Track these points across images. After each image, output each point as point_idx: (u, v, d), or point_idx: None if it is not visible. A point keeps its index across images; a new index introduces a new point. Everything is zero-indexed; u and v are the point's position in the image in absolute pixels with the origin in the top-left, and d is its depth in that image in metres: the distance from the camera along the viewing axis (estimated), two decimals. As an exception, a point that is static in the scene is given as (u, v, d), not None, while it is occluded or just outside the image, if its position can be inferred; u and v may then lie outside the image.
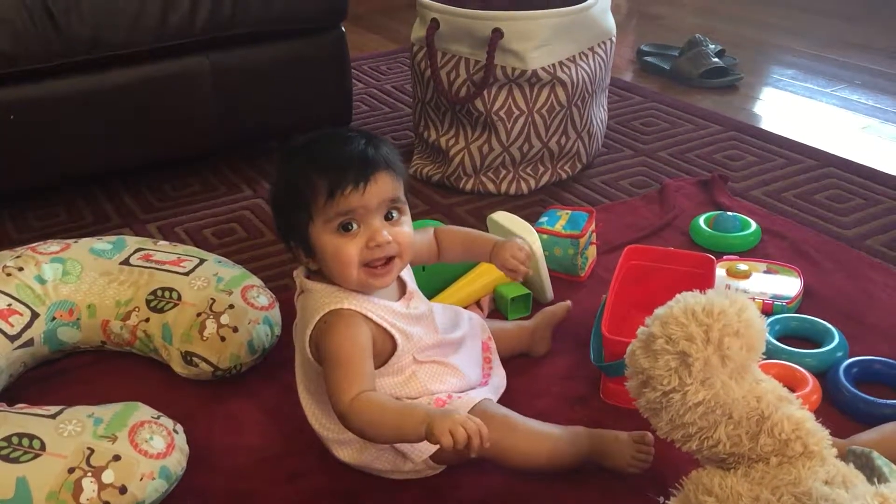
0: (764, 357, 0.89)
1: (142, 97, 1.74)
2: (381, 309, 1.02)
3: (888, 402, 1.14)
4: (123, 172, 1.87)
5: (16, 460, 0.97)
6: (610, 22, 1.84)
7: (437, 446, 0.97)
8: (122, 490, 0.98)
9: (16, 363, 1.22)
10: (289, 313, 1.16)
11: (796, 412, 0.86)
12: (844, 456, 0.87)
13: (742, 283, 1.39)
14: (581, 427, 1.06)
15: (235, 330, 1.23)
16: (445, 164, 1.81)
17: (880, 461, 0.85)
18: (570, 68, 1.72)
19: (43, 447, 0.99)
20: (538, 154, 1.78)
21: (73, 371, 1.29)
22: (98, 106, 1.70)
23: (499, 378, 1.18)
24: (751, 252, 1.53)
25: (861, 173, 1.83)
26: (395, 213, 1.01)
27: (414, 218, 1.07)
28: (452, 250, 1.16)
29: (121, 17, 1.65)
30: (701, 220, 1.59)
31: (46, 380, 1.27)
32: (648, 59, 2.56)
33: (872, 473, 0.83)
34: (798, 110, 2.26)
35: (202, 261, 1.34)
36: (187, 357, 1.22)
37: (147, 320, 1.26)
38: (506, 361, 1.22)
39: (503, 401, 1.14)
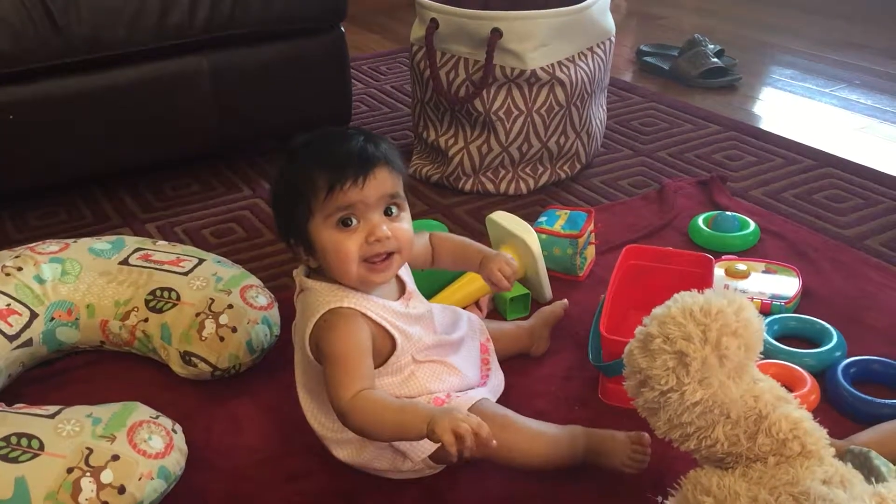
0: (762, 357, 0.89)
1: (141, 97, 1.74)
2: (381, 308, 1.02)
3: (886, 401, 1.14)
4: (123, 172, 1.87)
5: (14, 460, 0.97)
6: (609, 22, 1.84)
7: (437, 445, 0.97)
8: (121, 490, 0.98)
9: (14, 363, 1.22)
10: (288, 313, 1.16)
11: (794, 412, 0.86)
12: (842, 456, 0.87)
13: (741, 283, 1.39)
14: (578, 426, 1.06)
15: (234, 330, 1.23)
16: (444, 164, 1.81)
17: (878, 461, 0.85)
18: (569, 68, 1.72)
19: (42, 447, 0.99)
20: (537, 154, 1.78)
21: (71, 371, 1.29)
22: (97, 106, 1.70)
23: (497, 380, 1.18)
24: (749, 252, 1.53)
25: (860, 173, 1.83)
26: (394, 209, 1.01)
27: (413, 217, 1.08)
28: (445, 257, 1.17)
29: (120, 17, 1.64)
30: (700, 220, 1.59)
31: (45, 380, 1.27)
32: (648, 59, 2.56)
33: (870, 473, 0.83)
34: (797, 110, 2.26)
35: (201, 261, 1.34)
36: (186, 357, 1.22)
37: (146, 320, 1.26)
38: (505, 361, 1.22)
39: (502, 401, 1.14)
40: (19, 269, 1.27)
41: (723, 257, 1.46)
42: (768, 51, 2.72)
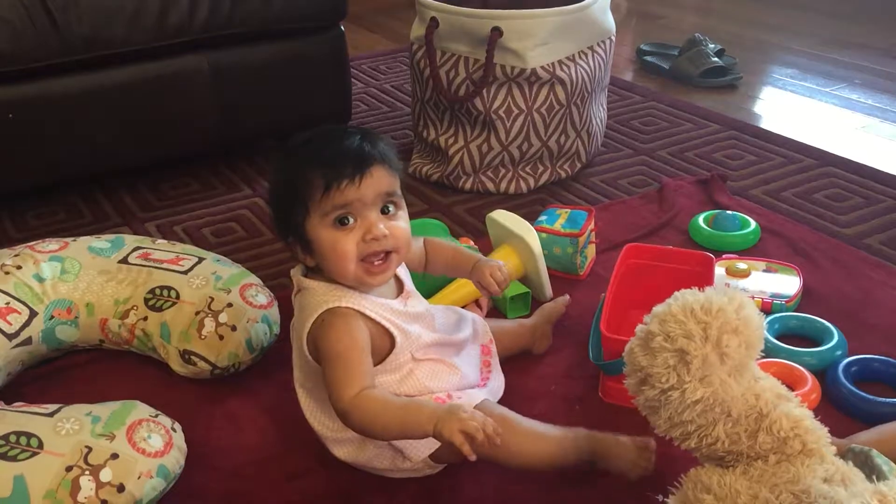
0: (763, 355, 0.89)
1: (140, 96, 1.74)
2: (379, 306, 1.02)
3: (887, 400, 1.13)
4: (122, 171, 1.87)
5: (13, 459, 0.96)
6: (609, 21, 1.84)
7: (437, 445, 0.97)
8: (120, 489, 0.98)
9: (14, 362, 1.22)
10: (287, 312, 1.16)
11: (795, 410, 0.86)
12: (843, 454, 0.87)
13: (741, 282, 1.39)
14: (581, 429, 1.06)
15: (234, 328, 1.23)
16: (445, 164, 1.81)
17: (879, 459, 0.85)
18: (569, 67, 1.72)
19: (41, 445, 0.98)
20: (537, 153, 1.77)
21: (71, 369, 1.29)
22: (97, 105, 1.70)
23: (497, 382, 1.18)
24: (750, 251, 1.53)
25: (860, 172, 1.83)
26: (391, 208, 1.01)
27: (413, 217, 1.07)
28: (437, 263, 1.18)
29: (119, 16, 1.64)
30: (700, 219, 1.59)
31: (44, 378, 1.27)
32: (648, 58, 2.56)
33: (871, 471, 0.83)
34: (797, 109, 2.26)
35: (201, 259, 1.34)
36: (186, 356, 1.22)
37: (145, 319, 1.26)
38: (506, 359, 1.22)
39: (502, 400, 1.13)
40: (19, 267, 1.27)
41: (723, 256, 1.46)
42: (769, 50, 2.72)
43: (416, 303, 1.09)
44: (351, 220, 0.98)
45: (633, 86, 2.38)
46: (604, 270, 1.46)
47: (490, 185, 1.79)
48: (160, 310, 1.25)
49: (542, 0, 1.78)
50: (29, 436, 0.99)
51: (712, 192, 1.73)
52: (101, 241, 1.36)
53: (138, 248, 1.35)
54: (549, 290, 1.39)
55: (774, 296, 1.36)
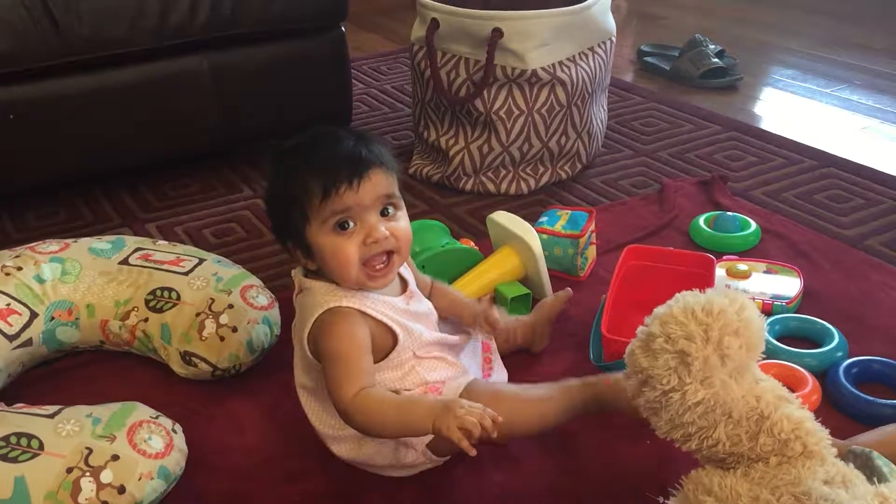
0: (764, 357, 0.89)
1: (141, 97, 1.74)
2: (381, 304, 1.02)
3: (888, 402, 1.13)
4: (123, 172, 1.87)
5: (14, 460, 0.97)
6: (610, 22, 1.84)
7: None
8: (121, 490, 0.98)
9: (14, 363, 1.22)
10: (288, 313, 1.16)
11: (796, 412, 0.86)
12: (844, 456, 0.87)
13: (742, 283, 1.39)
14: (573, 379, 1.07)
15: (234, 330, 1.23)
16: (445, 164, 1.81)
17: (880, 461, 0.85)
18: (569, 68, 1.72)
19: (41, 447, 0.98)
20: (538, 154, 1.77)
21: (71, 371, 1.29)
22: (97, 105, 1.70)
23: (500, 377, 1.18)
24: (751, 252, 1.53)
25: (861, 173, 1.83)
26: (390, 209, 1.01)
27: (413, 218, 1.07)
28: (440, 302, 1.17)
29: (120, 17, 1.64)
30: (701, 221, 1.59)
31: (45, 379, 1.27)
32: (648, 59, 2.56)
33: (872, 473, 0.83)
34: (798, 110, 2.26)
35: (201, 260, 1.33)
36: (186, 357, 1.22)
37: (146, 320, 1.26)
38: (506, 358, 1.22)
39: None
40: (19, 268, 1.27)
41: (724, 257, 1.46)
42: (769, 51, 2.72)
43: (419, 303, 1.09)
44: (351, 225, 0.98)
45: (633, 87, 2.38)
46: (604, 272, 1.46)
47: (491, 186, 1.79)
48: (161, 311, 1.25)
49: (542, 1, 1.78)
50: (30, 437, 0.99)
51: (713, 193, 1.73)
52: (101, 243, 1.36)
53: (139, 249, 1.35)
54: (549, 292, 1.39)
55: (775, 297, 1.36)
